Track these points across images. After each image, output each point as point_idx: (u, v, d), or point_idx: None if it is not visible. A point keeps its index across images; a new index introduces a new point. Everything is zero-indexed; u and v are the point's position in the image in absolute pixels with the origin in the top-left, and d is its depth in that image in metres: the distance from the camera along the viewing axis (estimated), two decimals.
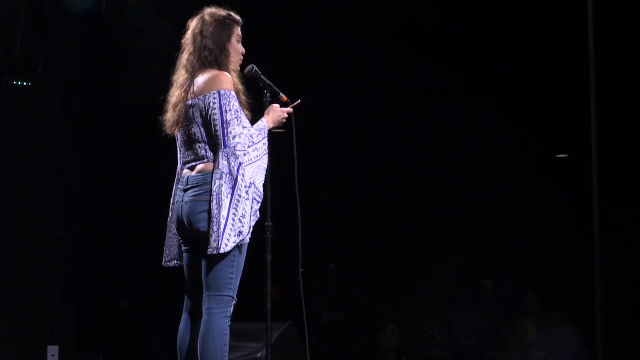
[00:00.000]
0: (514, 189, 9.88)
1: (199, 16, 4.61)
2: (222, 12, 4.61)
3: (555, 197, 9.53)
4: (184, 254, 4.63)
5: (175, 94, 4.56)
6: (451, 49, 9.46)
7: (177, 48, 4.66)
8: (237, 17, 4.65)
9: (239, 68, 4.66)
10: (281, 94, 4.80)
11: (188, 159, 4.57)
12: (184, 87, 4.52)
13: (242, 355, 6.01)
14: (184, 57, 4.59)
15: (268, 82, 4.81)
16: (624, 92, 7.73)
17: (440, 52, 9.46)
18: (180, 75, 4.58)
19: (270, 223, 4.80)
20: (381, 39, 9.43)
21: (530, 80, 9.55)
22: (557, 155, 10.56)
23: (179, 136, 4.62)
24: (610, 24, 6.97)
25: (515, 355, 9.02)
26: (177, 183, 4.66)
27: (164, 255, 4.70)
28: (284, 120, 4.72)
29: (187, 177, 4.53)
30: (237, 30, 4.63)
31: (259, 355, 5.95)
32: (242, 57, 4.67)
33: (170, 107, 4.58)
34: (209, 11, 4.61)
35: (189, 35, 4.60)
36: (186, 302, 4.62)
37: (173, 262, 4.69)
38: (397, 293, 9.81)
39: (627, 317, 7.64)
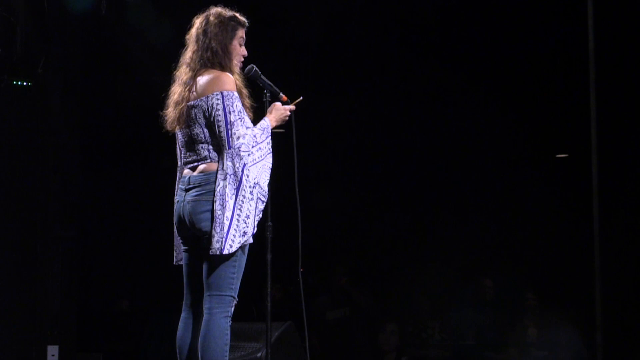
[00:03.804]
0: (514, 188, 9.88)
1: (204, 14, 4.61)
2: (228, 13, 4.61)
3: (555, 197, 9.53)
4: (184, 254, 4.63)
5: (177, 92, 4.56)
6: (452, 49, 9.46)
7: (177, 48, 4.67)
8: (243, 19, 4.64)
9: (238, 70, 4.66)
10: (281, 93, 4.80)
11: (190, 159, 4.57)
12: (187, 86, 4.52)
13: (242, 355, 6.01)
14: (187, 55, 4.59)
15: (268, 82, 4.81)
16: (624, 92, 7.73)
17: (440, 52, 9.45)
18: (182, 73, 4.58)
19: (270, 223, 4.80)
20: (382, 39, 9.43)
21: (530, 81, 9.55)
22: (557, 155, 10.56)
23: (179, 136, 4.62)
24: (610, 24, 6.97)
25: (515, 355, 9.02)
26: (178, 182, 4.67)
27: (175, 255, 4.70)
28: (287, 118, 4.72)
29: (189, 177, 4.53)
30: (241, 33, 4.63)
31: (259, 355, 5.94)
32: (242, 59, 4.66)
33: (171, 104, 4.58)
34: (215, 11, 4.61)
35: (193, 32, 4.60)
36: (186, 301, 4.62)
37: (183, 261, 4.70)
38: (397, 293, 9.81)
39: (627, 317, 7.64)
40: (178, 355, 4.58)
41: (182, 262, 4.65)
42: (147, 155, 9.23)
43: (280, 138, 4.80)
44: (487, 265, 9.82)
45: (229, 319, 4.45)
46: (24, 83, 7.65)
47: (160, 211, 5.18)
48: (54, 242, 7.85)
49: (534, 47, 9.31)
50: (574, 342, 8.17)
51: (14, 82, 7.61)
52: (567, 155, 10.46)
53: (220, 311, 4.42)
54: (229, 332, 4.44)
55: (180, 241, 4.64)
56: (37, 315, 7.71)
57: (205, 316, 4.44)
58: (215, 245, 4.36)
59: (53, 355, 7.63)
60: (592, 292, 6.55)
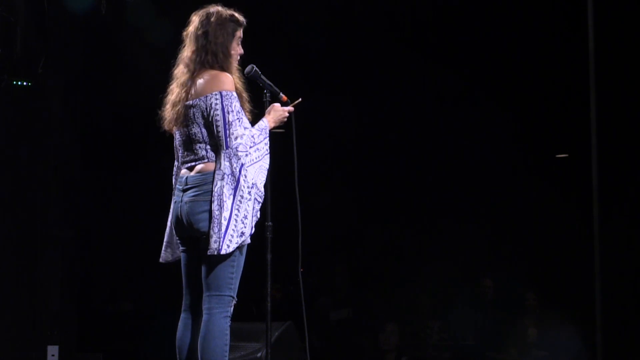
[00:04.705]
0: (514, 189, 9.88)
1: (203, 13, 4.58)
2: (227, 13, 4.59)
3: (555, 197, 9.53)
4: (182, 254, 4.63)
5: (175, 92, 4.55)
6: (452, 50, 9.46)
7: (177, 48, 4.65)
8: (241, 19, 4.63)
9: (239, 73, 4.65)
10: (281, 94, 4.80)
11: (187, 159, 4.56)
12: (185, 87, 4.51)
13: (242, 355, 6.01)
14: (185, 54, 4.57)
15: (268, 82, 4.81)
16: (624, 92, 7.72)
17: (440, 53, 9.46)
18: (180, 71, 4.56)
19: (270, 223, 4.81)
20: (381, 39, 9.42)
21: (530, 81, 9.55)
22: (557, 155, 10.56)
23: (177, 135, 4.61)
24: (610, 24, 6.96)
25: (515, 355, 9.02)
26: (174, 180, 4.67)
27: (163, 253, 4.69)
28: (285, 119, 4.72)
29: (186, 177, 4.53)
30: (239, 33, 4.62)
31: (259, 355, 5.95)
32: (238, 59, 4.66)
33: (169, 104, 4.57)
34: (215, 10, 4.58)
35: (191, 31, 4.57)
36: (185, 302, 4.62)
37: (173, 257, 4.69)
38: (397, 293, 9.81)
39: (627, 317, 7.64)
40: (178, 356, 4.57)
41: (181, 263, 4.65)
42: (147, 155, 9.22)
43: (280, 138, 4.80)
44: (487, 265, 9.82)
45: (229, 319, 4.44)
46: (24, 83, 7.65)
47: (160, 211, 5.17)
48: (54, 242, 7.86)
49: (534, 47, 9.31)
50: (574, 342, 8.17)
51: (14, 82, 7.62)
52: (567, 155, 10.46)
53: (219, 311, 4.42)
54: (228, 332, 4.44)
55: (178, 241, 4.63)
56: (37, 315, 7.71)
57: (204, 316, 4.44)
58: (213, 245, 4.36)
59: (53, 355, 7.63)
60: (592, 292, 6.54)
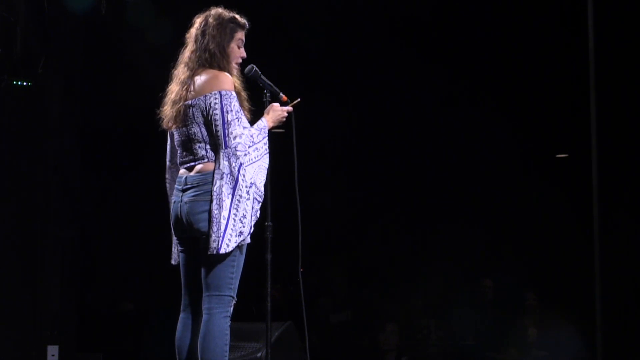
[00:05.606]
0: (514, 189, 9.88)
1: (205, 14, 4.60)
2: (227, 15, 4.60)
3: (555, 197, 9.53)
4: (181, 255, 4.62)
5: (174, 91, 4.55)
6: (451, 49, 9.46)
7: (177, 48, 4.66)
8: (242, 21, 4.64)
9: (237, 73, 4.65)
10: (281, 94, 4.80)
11: (186, 159, 4.56)
12: (184, 86, 4.52)
13: (242, 355, 6.01)
14: (186, 54, 4.59)
15: (268, 82, 4.81)
16: (624, 92, 7.72)
17: (440, 53, 9.46)
18: (180, 72, 4.57)
19: (270, 223, 4.80)
20: (381, 40, 9.43)
21: (530, 80, 9.55)
22: (557, 155, 10.56)
23: (176, 135, 4.61)
24: (610, 24, 6.97)
25: (515, 355, 9.02)
26: (168, 182, 4.67)
27: (173, 254, 4.70)
28: (284, 119, 4.72)
29: (186, 177, 4.53)
30: (240, 35, 4.62)
31: (259, 355, 5.95)
32: (240, 61, 4.66)
33: (168, 102, 4.57)
34: (215, 12, 4.60)
35: (192, 32, 4.59)
36: (184, 302, 4.61)
37: None
38: (397, 293, 9.81)
39: (627, 317, 7.64)
40: (177, 356, 4.57)
41: (180, 263, 4.65)
42: (147, 156, 9.22)
43: (280, 138, 4.80)
44: (487, 265, 9.82)
45: (229, 319, 4.44)
46: (24, 83, 7.65)
47: (159, 211, 5.17)
48: (54, 242, 7.86)
49: (533, 47, 9.31)
50: (574, 342, 8.17)
51: (14, 82, 7.62)
52: (567, 155, 10.47)
53: (219, 311, 4.42)
54: (228, 332, 4.44)
55: (177, 241, 4.63)
56: (37, 315, 7.72)
57: (204, 316, 4.44)
58: (213, 244, 4.36)
59: (53, 355, 7.63)
60: (592, 292, 6.54)
